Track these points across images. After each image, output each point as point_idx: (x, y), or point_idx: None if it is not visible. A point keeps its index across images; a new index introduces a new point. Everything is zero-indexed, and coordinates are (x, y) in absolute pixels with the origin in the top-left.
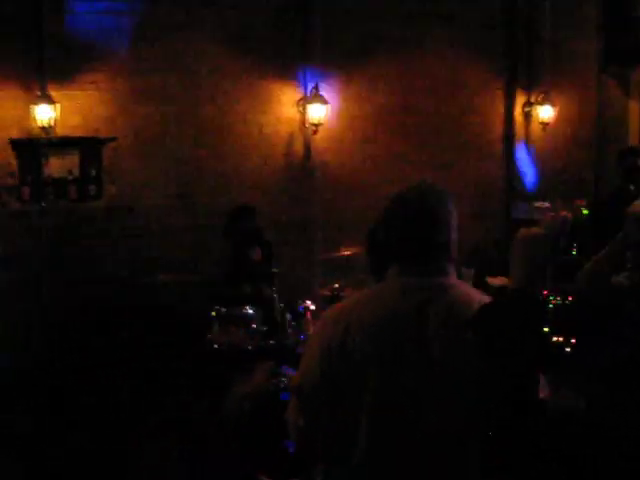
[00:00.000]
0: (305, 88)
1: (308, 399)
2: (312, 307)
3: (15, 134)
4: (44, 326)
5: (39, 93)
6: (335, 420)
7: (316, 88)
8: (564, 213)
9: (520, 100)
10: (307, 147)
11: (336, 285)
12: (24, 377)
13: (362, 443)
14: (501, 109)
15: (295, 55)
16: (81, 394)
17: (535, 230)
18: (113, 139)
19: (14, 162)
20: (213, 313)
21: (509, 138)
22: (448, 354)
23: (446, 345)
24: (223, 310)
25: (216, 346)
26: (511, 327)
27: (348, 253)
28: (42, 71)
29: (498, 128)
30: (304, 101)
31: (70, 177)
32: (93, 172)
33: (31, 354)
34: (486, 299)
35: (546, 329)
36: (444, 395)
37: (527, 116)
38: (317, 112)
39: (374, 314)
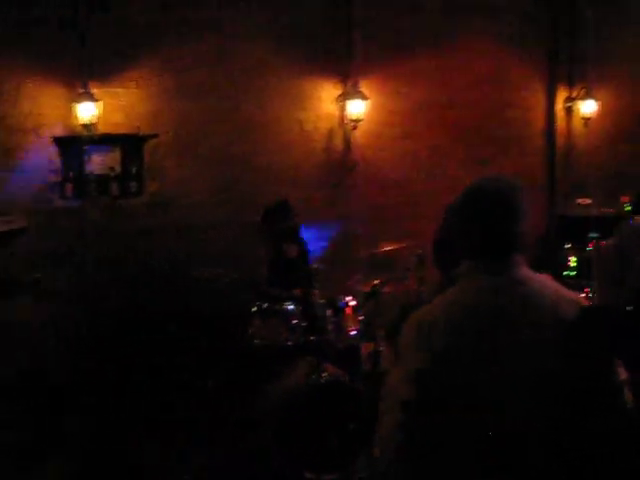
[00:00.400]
0: (345, 84)
1: (418, 409)
2: (352, 303)
3: (58, 132)
4: (86, 320)
5: (81, 91)
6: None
7: (355, 84)
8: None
9: (562, 95)
10: (347, 143)
11: (376, 281)
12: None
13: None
14: (542, 104)
15: (335, 51)
16: (122, 388)
17: (610, 243)
18: (154, 136)
19: (57, 159)
20: (254, 309)
21: (550, 133)
22: (534, 350)
23: (531, 342)
24: (264, 306)
25: (257, 341)
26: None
27: (388, 249)
28: (84, 69)
29: (539, 123)
30: (344, 97)
31: (112, 174)
32: (134, 169)
33: (71, 348)
34: (570, 294)
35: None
36: (532, 394)
37: (569, 111)
38: (356, 108)
39: (467, 315)
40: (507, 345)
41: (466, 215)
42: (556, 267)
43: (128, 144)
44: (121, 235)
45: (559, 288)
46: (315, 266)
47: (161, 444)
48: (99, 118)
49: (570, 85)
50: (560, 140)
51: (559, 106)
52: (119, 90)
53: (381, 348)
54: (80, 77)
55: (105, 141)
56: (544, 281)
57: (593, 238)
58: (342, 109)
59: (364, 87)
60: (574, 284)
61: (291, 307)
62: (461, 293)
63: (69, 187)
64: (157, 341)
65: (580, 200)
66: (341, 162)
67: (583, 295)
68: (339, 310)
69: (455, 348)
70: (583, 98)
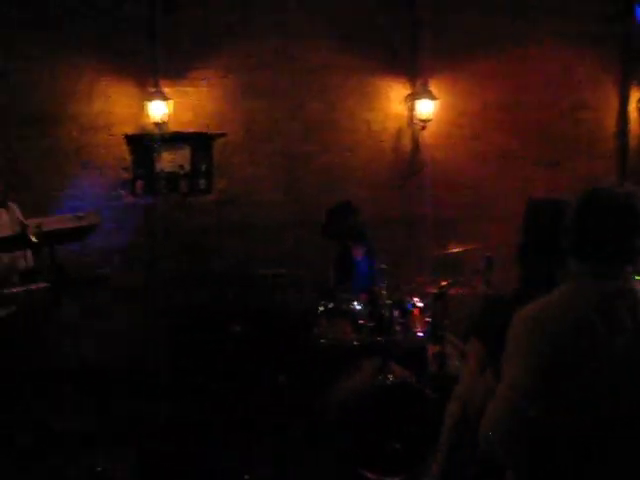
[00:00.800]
0: (413, 84)
1: (540, 401)
2: (420, 304)
3: (130, 130)
4: (154, 315)
5: (153, 90)
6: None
7: (424, 84)
8: None
9: (635, 95)
10: (415, 143)
11: (444, 283)
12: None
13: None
14: (614, 105)
15: (404, 51)
16: (188, 384)
17: None
18: (223, 135)
19: (128, 157)
20: (320, 308)
21: (623, 135)
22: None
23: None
24: (330, 305)
25: (323, 341)
26: None
27: (456, 250)
28: (156, 69)
29: (611, 125)
30: (412, 97)
31: (181, 171)
32: (203, 167)
33: (140, 344)
34: None
35: None
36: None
37: None
38: (425, 108)
39: (576, 316)
40: (614, 348)
41: (592, 220)
42: None
43: (198, 142)
44: (190, 232)
45: None
46: (383, 266)
47: (221, 444)
48: (169, 117)
49: None
50: (633, 142)
51: (632, 107)
52: (189, 89)
53: (448, 350)
54: (151, 76)
55: (175, 139)
56: None
57: None
58: (411, 109)
59: (433, 87)
60: None
61: (358, 307)
62: (572, 294)
63: (139, 184)
64: (222, 339)
65: None
66: (409, 162)
67: None
68: (406, 311)
69: (563, 347)
70: None
